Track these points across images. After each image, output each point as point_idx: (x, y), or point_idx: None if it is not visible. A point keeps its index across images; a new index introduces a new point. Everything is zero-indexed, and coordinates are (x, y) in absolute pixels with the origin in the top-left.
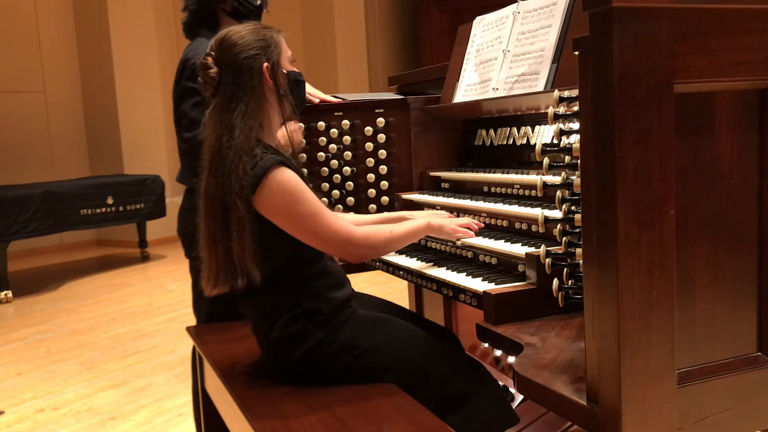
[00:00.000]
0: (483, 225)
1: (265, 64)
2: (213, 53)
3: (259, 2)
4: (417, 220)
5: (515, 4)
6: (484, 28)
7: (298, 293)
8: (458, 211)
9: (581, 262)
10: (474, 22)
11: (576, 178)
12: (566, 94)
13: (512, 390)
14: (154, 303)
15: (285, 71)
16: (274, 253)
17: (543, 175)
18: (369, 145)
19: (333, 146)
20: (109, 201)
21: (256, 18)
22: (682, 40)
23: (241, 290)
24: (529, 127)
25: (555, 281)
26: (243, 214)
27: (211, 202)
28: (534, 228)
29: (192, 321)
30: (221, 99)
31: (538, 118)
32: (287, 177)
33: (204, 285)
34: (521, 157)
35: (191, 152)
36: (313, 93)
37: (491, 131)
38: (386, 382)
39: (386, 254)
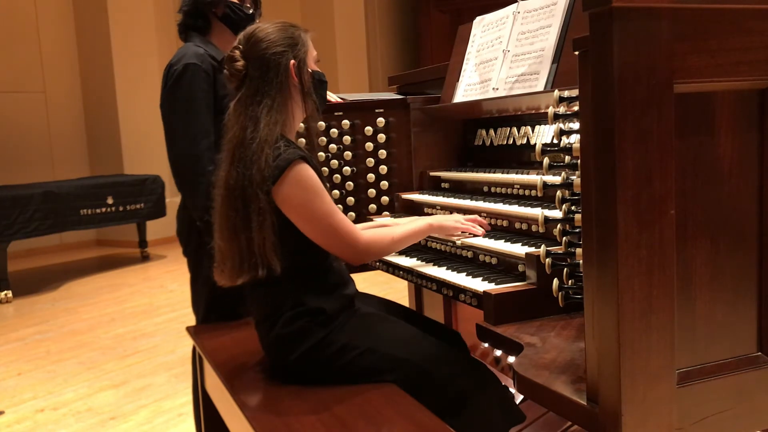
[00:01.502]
0: (489, 226)
1: (292, 62)
2: (240, 47)
3: (251, 10)
4: (418, 220)
5: (515, 4)
6: (484, 28)
7: (302, 290)
8: (458, 211)
9: (581, 262)
10: (474, 22)
11: (576, 178)
12: (566, 94)
13: (512, 390)
14: (154, 303)
15: (310, 70)
16: (284, 247)
17: (543, 175)
18: (369, 145)
19: (333, 146)
20: (109, 201)
21: (246, 25)
22: (682, 40)
23: (247, 285)
24: (529, 127)
25: (555, 281)
26: (264, 205)
27: (232, 192)
28: (534, 228)
29: (192, 321)
30: (246, 92)
31: (538, 118)
32: (308, 173)
33: (218, 276)
34: (521, 157)
35: (175, 170)
36: None
37: (491, 131)
38: (387, 382)
39: (386, 256)
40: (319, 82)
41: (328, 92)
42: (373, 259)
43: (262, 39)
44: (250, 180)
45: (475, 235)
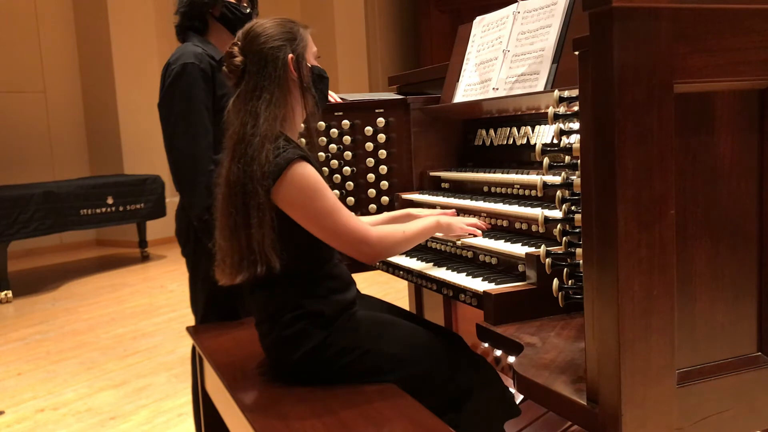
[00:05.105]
0: (489, 225)
1: (290, 56)
2: (239, 43)
3: (248, 10)
4: (427, 218)
5: (515, 4)
6: (484, 28)
7: (302, 294)
8: (458, 212)
9: (581, 262)
10: (474, 22)
11: (576, 178)
12: (566, 94)
13: (512, 390)
14: (154, 303)
15: (309, 65)
16: (286, 248)
17: (543, 175)
18: (369, 145)
19: (333, 146)
20: (109, 201)
21: (243, 24)
22: (682, 40)
23: (248, 285)
24: (529, 127)
25: (555, 281)
26: (263, 201)
27: (232, 189)
28: (534, 228)
29: (192, 321)
30: (245, 87)
31: (538, 118)
32: (308, 172)
33: (219, 274)
34: (521, 157)
35: (174, 169)
36: None
37: (491, 131)
38: (388, 382)
39: (398, 254)
40: (318, 77)
41: (330, 92)
42: (385, 257)
43: (260, 34)
44: (251, 176)
45: (474, 236)
